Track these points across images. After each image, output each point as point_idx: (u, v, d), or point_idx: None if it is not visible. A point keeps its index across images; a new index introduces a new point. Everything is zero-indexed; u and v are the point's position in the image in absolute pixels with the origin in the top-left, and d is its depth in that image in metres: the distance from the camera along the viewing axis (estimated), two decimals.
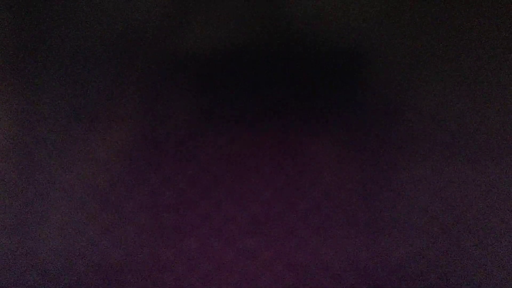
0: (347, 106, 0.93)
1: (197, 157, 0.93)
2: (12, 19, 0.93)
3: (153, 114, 0.93)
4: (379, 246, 0.94)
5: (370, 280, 0.94)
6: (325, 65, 0.93)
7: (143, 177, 0.93)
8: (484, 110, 0.94)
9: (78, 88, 0.93)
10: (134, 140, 0.93)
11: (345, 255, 0.94)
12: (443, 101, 0.94)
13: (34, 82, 0.93)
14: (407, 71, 0.93)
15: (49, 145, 0.93)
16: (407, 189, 0.94)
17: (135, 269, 0.94)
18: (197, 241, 0.94)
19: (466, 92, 0.94)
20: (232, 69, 0.92)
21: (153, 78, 0.93)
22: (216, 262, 0.94)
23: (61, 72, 0.93)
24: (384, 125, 0.93)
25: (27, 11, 0.93)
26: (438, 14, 0.93)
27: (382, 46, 0.93)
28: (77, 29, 0.92)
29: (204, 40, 0.93)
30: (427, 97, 0.94)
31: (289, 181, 0.93)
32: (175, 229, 0.94)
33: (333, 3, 0.93)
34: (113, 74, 0.93)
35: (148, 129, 0.93)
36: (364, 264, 0.94)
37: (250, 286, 0.94)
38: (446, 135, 0.94)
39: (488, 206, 0.94)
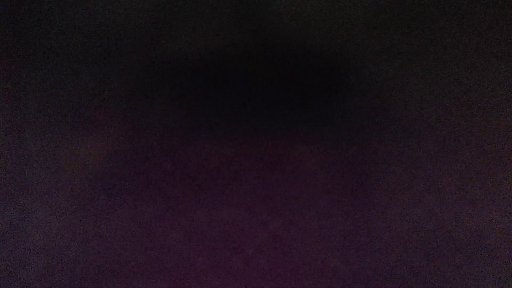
0: (333, 112, 0.93)
1: (183, 164, 0.93)
2: None
3: (139, 120, 0.93)
4: (363, 252, 0.94)
5: (353, 285, 0.94)
6: (311, 71, 0.93)
7: (128, 184, 0.93)
8: (471, 112, 0.94)
9: (64, 92, 0.93)
10: (121, 146, 0.93)
11: (330, 262, 0.94)
12: (429, 105, 0.94)
13: (20, 86, 0.93)
14: (394, 77, 0.94)
15: (32, 149, 0.93)
16: (393, 196, 0.94)
17: (117, 279, 0.94)
18: (183, 247, 0.94)
19: (452, 95, 0.94)
20: (218, 75, 0.92)
21: (140, 83, 0.92)
22: (202, 265, 0.94)
23: (47, 77, 0.93)
24: (370, 131, 0.93)
25: (14, 12, 0.92)
26: (424, 17, 0.93)
27: (367, 51, 0.93)
28: (64, 33, 0.92)
29: (191, 46, 0.92)
30: (413, 102, 0.94)
31: (273, 189, 0.93)
32: (160, 237, 0.94)
33: (320, 7, 0.93)
34: (99, 79, 0.93)
35: (134, 135, 0.93)
36: (350, 272, 0.94)
37: None
38: (433, 141, 0.94)
39: (473, 214, 0.95)
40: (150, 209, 0.93)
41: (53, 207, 0.93)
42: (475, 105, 0.94)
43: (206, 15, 0.92)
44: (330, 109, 0.93)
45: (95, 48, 0.92)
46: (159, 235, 0.94)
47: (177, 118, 0.93)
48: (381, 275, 0.94)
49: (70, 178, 0.93)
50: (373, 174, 0.94)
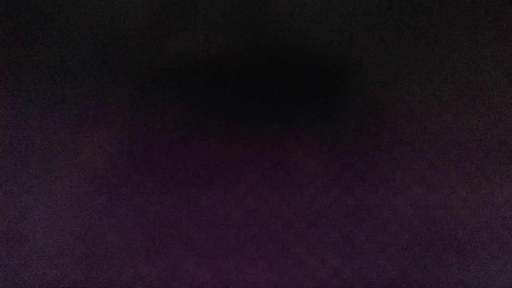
0: (333, 112, 0.93)
1: (183, 164, 0.93)
2: None
3: (141, 119, 0.93)
4: (363, 254, 0.94)
5: (353, 285, 0.95)
6: (311, 71, 0.92)
7: (131, 183, 0.93)
8: (471, 113, 0.94)
9: (64, 92, 0.93)
10: (122, 145, 0.93)
11: (329, 263, 0.94)
12: (429, 105, 0.94)
13: (20, 85, 0.93)
14: (393, 77, 0.93)
15: (35, 148, 0.93)
16: (392, 196, 0.94)
17: (118, 279, 0.94)
18: (186, 246, 0.94)
19: (452, 95, 0.94)
20: (218, 75, 0.92)
21: (140, 83, 0.92)
22: (205, 263, 0.94)
23: (49, 75, 0.93)
24: (369, 131, 0.93)
25: (15, 12, 0.92)
26: (424, 16, 0.93)
27: (367, 51, 0.93)
28: (65, 32, 0.92)
29: (191, 46, 0.92)
30: (413, 102, 0.94)
31: (274, 188, 0.93)
32: (160, 237, 0.94)
33: (320, 7, 0.93)
34: (99, 79, 0.92)
35: (136, 134, 0.93)
36: (349, 272, 0.94)
37: None
38: (431, 141, 0.94)
39: (473, 216, 0.94)
40: (150, 209, 0.93)
41: (53, 207, 0.93)
42: (475, 105, 0.94)
43: (206, 15, 0.92)
44: (330, 109, 0.93)
45: (95, 48, 0.92)
46: (159, 234, 0.94)
47: (177, 118, 0.93)
48: (381, 275, 0.94)
49: (70, 177, 0.93)
50: (373, 174, 0.94)
